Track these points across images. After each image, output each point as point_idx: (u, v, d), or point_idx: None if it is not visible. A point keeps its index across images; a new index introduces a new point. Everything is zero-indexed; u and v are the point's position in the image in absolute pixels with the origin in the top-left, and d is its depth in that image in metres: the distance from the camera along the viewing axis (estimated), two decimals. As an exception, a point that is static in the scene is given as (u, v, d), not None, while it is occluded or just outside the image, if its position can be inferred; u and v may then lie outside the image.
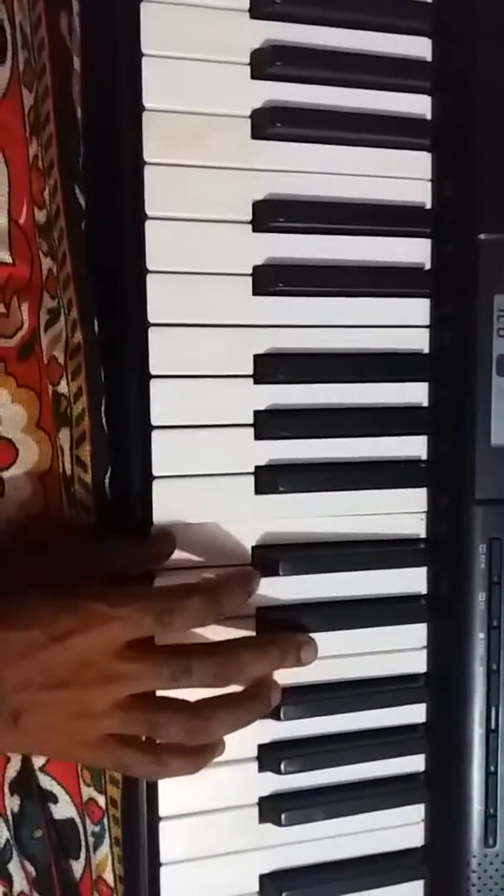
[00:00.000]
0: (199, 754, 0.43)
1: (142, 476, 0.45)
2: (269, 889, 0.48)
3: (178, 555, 0.45)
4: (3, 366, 0.45)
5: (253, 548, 0.47)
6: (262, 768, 0.47)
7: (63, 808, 0.48)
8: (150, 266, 0.43)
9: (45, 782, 0.48)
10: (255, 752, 0.47)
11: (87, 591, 0.41)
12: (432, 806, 0.50)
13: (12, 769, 0.47)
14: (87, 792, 0.48)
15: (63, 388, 0.45)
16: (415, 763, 0.50)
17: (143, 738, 0.43)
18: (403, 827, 0.50)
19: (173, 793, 0.46)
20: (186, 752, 0.42)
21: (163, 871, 0.46)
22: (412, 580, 0.49)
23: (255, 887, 0.48)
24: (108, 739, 0.41)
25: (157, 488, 0.45)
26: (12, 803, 0.47)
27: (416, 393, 0.49)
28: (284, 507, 0.47)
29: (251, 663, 0.43)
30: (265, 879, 0.48)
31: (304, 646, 0.46)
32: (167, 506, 0.45)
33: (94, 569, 0.43)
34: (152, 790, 0.46)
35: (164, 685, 0.41)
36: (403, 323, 0.48)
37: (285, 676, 0.47)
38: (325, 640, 0.47)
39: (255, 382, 0.46)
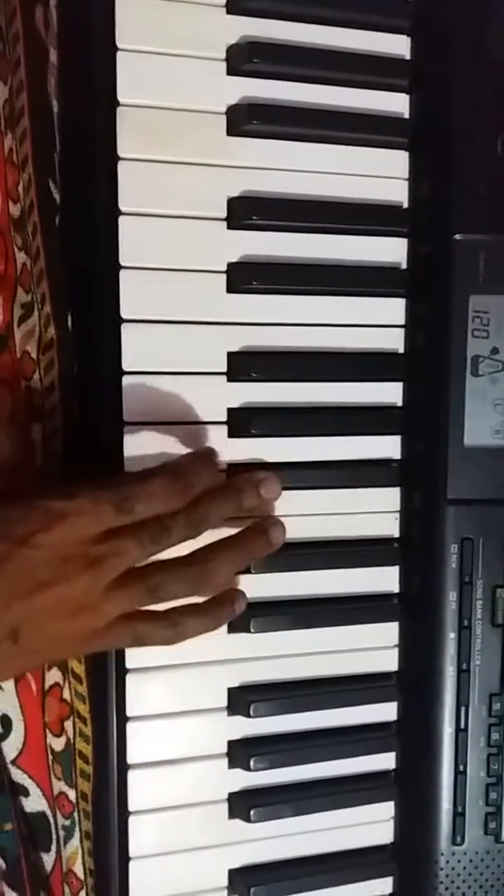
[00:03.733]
0: (214, 607, 0.43)
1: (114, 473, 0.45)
2: (238, 884, 0.48)
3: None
4: (-24, 360, 0.44)
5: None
6: (231, 764, 0.48)
7: (34, 802, 0.48)
8: (123, 262, 0.43)
9: (17, 775, 0.48)
10: (224, 749, 0.48)
11: (42, 494, 0.40)
12: (402, 804, 0.51)
13: (-18, 763, 0.47)
14: (58, 786, 0.48)
15: (36, 383, 0.45)
16: (385, 761, 0.50)
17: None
18: (373, 824, 0.51)
19: (143, 788, 0.46)
20: (200, 609, 0.42)
21: (132, 864, 0.46)
22: (384, 579, 0.50)
23: (224, 882, 0.48)
24: (117, 621, 0.41)
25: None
26: (-18, 797, 0.47)
27: (390, 392, 0.49)
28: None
29: (219, 507, 0.43)
30: (234, 874, 0.48)
31: (264, 482, 0.45)
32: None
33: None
34: (122, 785, 0.46)
35: (146, 550, 0.40)
36: (379, 322, 0.48)
37: (258, 672, 0.47)
38: (297, 638, 0.48)
39: (229, 380, 0.46)
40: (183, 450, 0.45)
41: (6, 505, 0.39)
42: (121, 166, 0.43)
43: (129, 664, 0.45)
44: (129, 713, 0.45)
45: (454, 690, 0.48)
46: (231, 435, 0.46)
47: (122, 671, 0.45)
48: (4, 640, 0.39)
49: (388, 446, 0.49)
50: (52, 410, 0.45)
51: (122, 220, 0.43)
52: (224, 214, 0.45)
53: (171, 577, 0.41)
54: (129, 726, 0.46)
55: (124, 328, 0.44)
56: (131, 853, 0.46)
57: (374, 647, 0.50)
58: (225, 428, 0.46)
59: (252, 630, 0.47)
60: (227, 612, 0.43)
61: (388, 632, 0.50)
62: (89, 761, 0.47)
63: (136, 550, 0.40)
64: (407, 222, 0.48)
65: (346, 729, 0.49)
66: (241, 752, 0.47)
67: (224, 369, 0.46)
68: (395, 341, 0.49)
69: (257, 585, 0.47)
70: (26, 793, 0.48)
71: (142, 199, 0.43)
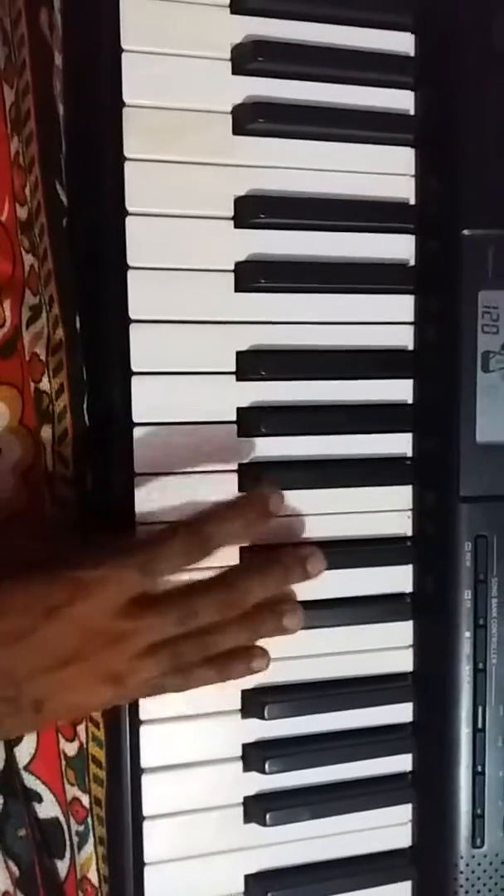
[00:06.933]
0: (227, 659, 0.43)
1: (124, 474, 0.44)
2: (254, 889, 0.48)
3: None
4: (-15, 363, 0.45)
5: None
6: (246, 768, 0.47)
7: (47, 808, 0.48)
8: (131, 262, 0.43)
9: (30, 781, 0.47)
10: (239, 752, 0.47)
11: (64, 564, 0.40)
12: (419, 806, 0.50)
13: (-5, 769, 0.47)
14: (72, 791, 0.47)
15: (45, 385, 0.45)
16: (402, 763, 0.50)
17: None
18: (391, 827, 0.50)
19: (158, 792, 0.46)
20: (212, 663, 0.42)
21: (147, 870, 0.46)
22: (398, 578, 0.49)
23: (241, 888, 0.48)
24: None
25: (139, 486, 0.44)
26: (-5, 803, 0.47)
27: (400, 390, 0.48)
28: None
29: (256, 589, 0.42)
30: (250, 880, 0.48)
31: (309, 558, 0.44)
32: (150, 504, 0.45)
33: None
34: (136, 789, 0.45)
35: (173, 631, 0.40)
36: (388, 319, 0.48)
37: (272, 673, 0.46)
38: (311, 639, 0.47)
39: (238, 380, 0.46)
40: (197, 450, 0.45)
41: (32, 577, 0.39)
42: (127, 167, 0.43)
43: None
44: (141, 716, 0.45)
45: (471, 690, 0.48)
46: (241, 434, 0.46)
47: (135, 674, 0.45)
48: (27, 710, 0.39)
49: (399, 444, 0.49)
50: (61, 412, 0.45)
51: (129, 220, 0.43)
52: (231, 213, 0.45)
53: (192, 645, 0.41)
54: (143, 730, 0.45)
55: (132, 329, 0.44)
56: (146, 859, 0.46)
57: (389, 648, 0.49)
58: (234, 427, 0.46)
59: (265, 632, 0.46)
60: (237, 669, 0.43)
61: (403, 632, 0.49)
62: (102, 766, 0.46)
63: (161, 632, 0.40)
64: (414, 219, 0.47)
65: (361, 731, 0.49)
66: (256, 755, 0.47)
67: (233, 368, 0.46)
68: (404, 338, 0.48)
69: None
70: (39, 798, 0.48)
71: (148, 199, 0.43)
